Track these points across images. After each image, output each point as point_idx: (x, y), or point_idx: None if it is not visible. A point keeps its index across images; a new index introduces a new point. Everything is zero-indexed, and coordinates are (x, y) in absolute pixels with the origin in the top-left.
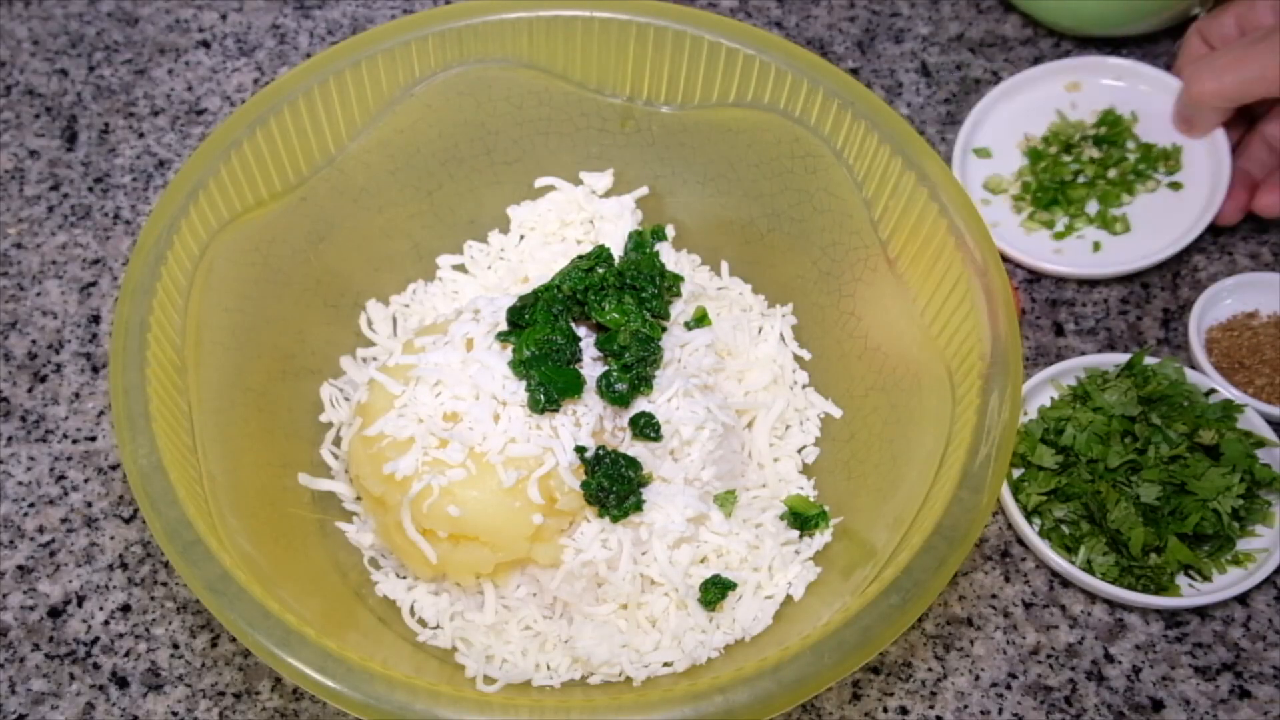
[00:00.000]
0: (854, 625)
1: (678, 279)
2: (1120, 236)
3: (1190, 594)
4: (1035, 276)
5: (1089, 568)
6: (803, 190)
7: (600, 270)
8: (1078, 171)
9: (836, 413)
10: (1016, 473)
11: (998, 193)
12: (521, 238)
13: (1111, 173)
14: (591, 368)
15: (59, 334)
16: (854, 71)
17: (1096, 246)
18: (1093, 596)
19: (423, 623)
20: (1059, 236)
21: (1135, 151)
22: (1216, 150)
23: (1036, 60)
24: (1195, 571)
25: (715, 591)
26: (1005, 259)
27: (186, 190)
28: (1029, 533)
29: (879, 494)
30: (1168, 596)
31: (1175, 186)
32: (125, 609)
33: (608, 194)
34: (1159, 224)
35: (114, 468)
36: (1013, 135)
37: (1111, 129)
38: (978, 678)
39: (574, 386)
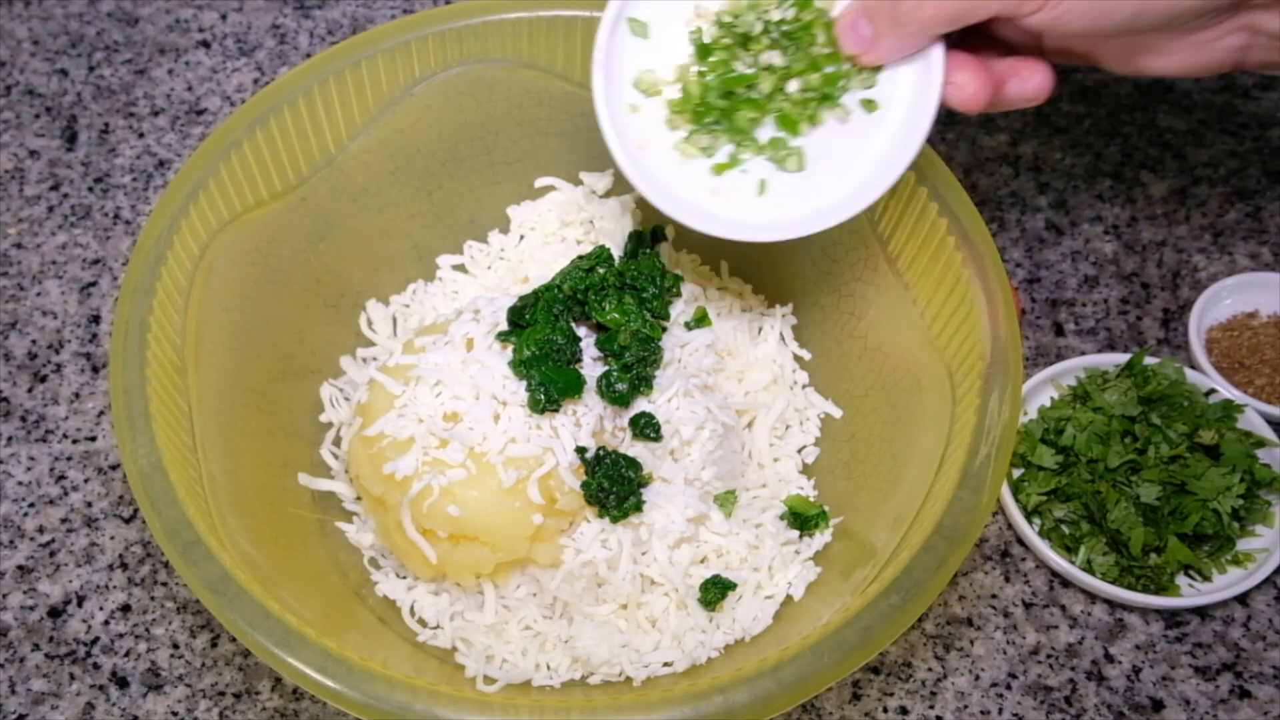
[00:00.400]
0: (854, 625)
1: (678, 279)
2: (793, 175)
3: (1190, 594)
4: (1035, 276)
5: (1089, 568)
6: None
7: (600, 270)
8: (751, 84)
9: (836, 413)
10: (1016, 473)
11: (651, 95)
12: (521, 238)
13: (793, 85)
14: (591, 368)
15: (59, 334)
16: None
17: (762, 187)
18: (1093, 596)
19: (423, 623)
20: (720, 170)
21: (826, 46)
22: (928, 64)
23: None
24: (1195, 571)
25: (715, 591)
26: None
27: (186, 190)
28: (1029, 533)
29: (879, 494)
30: (1168, 596)
31: (869, 105)
32: (125, 609)
33: (608, 194)
34: (842, 160)
35: (114, 468)
36: (683, 5)
37: (802, 7)
38: (978, 678)
39: (574, 386)
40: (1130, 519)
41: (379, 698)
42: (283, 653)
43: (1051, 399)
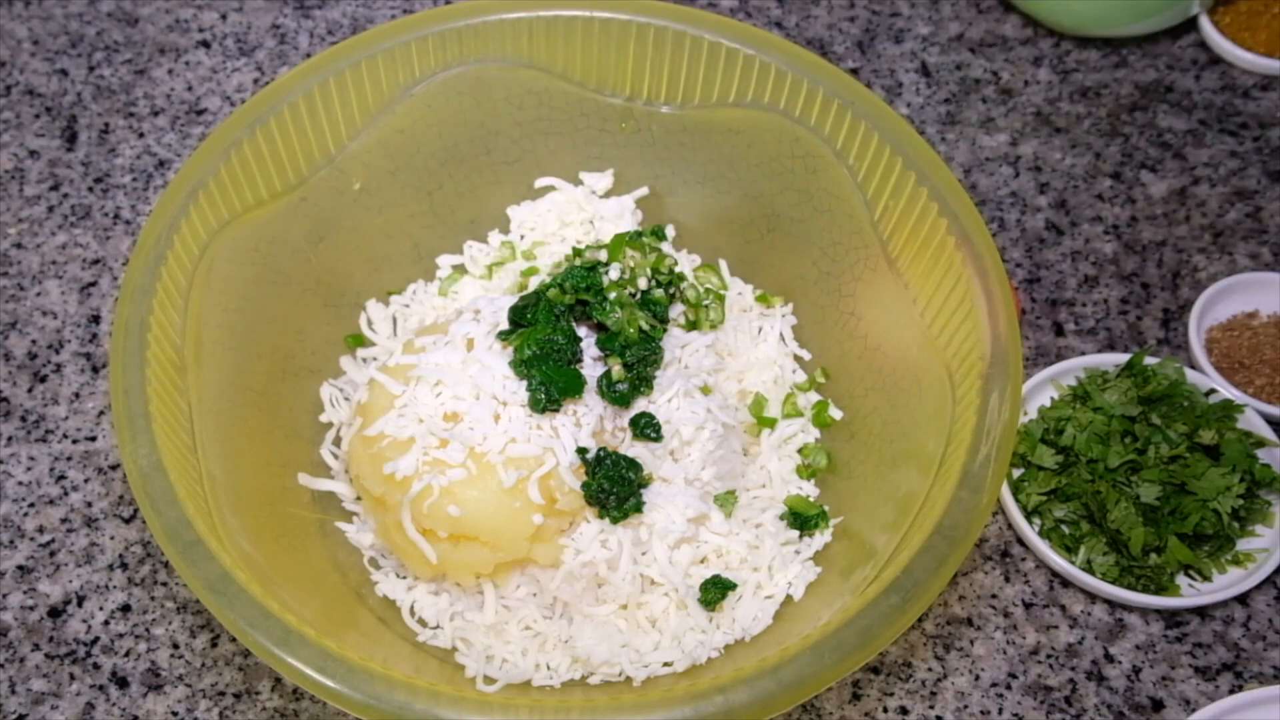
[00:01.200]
0: (854, 625)
1: (679, 279)
2: None
3: (1190, 594)
4: (1035, 276)
5: (1089, 568)
6: (803, 190)
7: (602, 270)
8: None
9: (836, 413)
10: (1016, 473)
11: None
12: (521, 238)
13: None
14: (592, 368)
15: (59, 334)
16: (854, 71)
17: None
18: (1093, 596)
19: (423, 623)
20: None
21: None
22: None
23: (1036, 61)
24: (1195, 571)
25: (715, 591)
26: None
27: (186, 190)
28: (1029, 533)
29: (879, 494)
30: (1168, 596)
31: None
32: (125, 609)
33: (608, 194)
34: None
35: (114, 468)
36: None
37: None
38: (978, 678)
39: (575, 386)
40: (1130, 519)
41: (379, 698)
42: (283, 653)
43: (1051, 399)
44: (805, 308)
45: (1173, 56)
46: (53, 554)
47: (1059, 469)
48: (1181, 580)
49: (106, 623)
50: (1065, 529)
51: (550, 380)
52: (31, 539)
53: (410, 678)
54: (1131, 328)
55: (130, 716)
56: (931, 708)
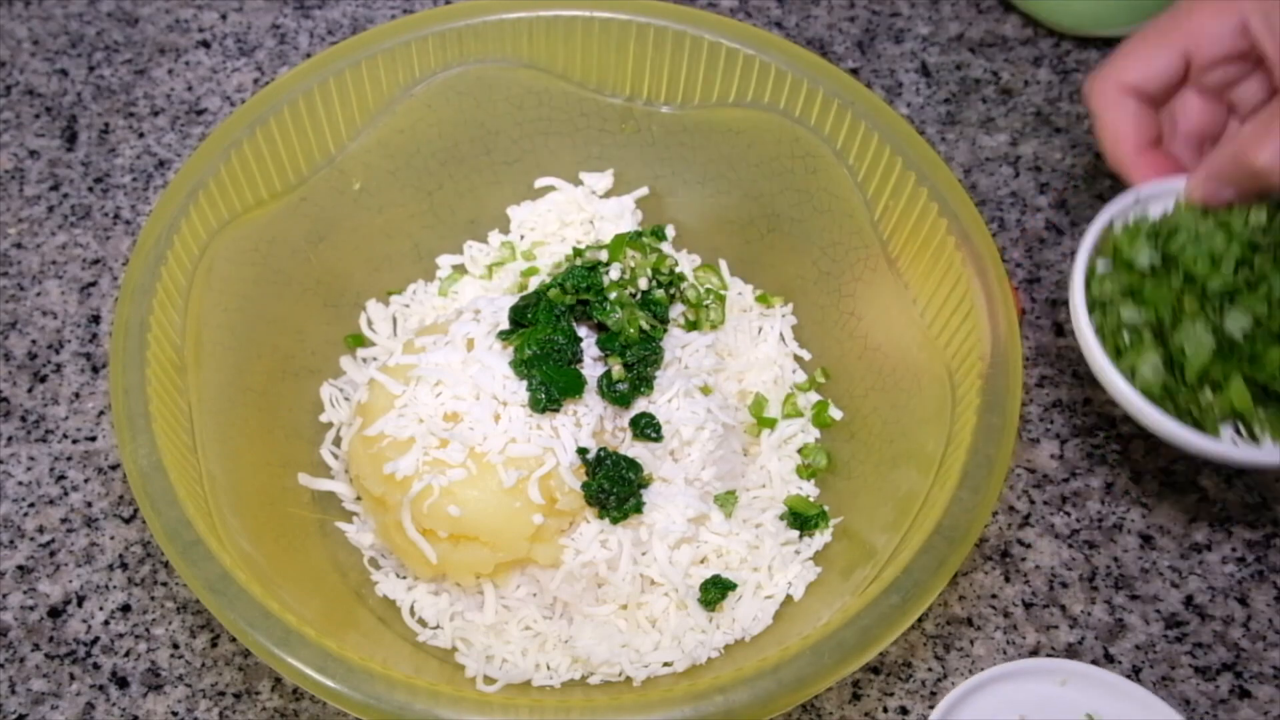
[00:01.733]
0: (854, 625)
1: (679, 279)
2: None
3: (1228, 445)
4: (1035, 276)
5: (1130, 375)
6: (803, 190)
7: (602, 270)
8: None
9: (836, 413)
10: (1101, 264)
11: None
12: (521, 238)
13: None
14: (592, 368)
15: (59, 334)
16: (854, 71)
17: None
18: (1092, 597)
19: (423, 623)
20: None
21: None
22: None
23: (1036, 61)
24: (1243, 425)
25: (715, 591)
26: None
27: (186, 190)
28: (1085, 327)
29: (879, 494)
30: (1207, 434)
31: None
32: (125, 609)
33: (608, 194)
34: None
35: (114, 468)
36: None
37: None
38: None
39: (575, 386)
40: (1198, 339)
41: (379, 698)
42: (283, 653)
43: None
44: (805, 308)
45: None
46: (53, 554)
47: (1150, 271)
48: (1226, 432)
49: (106, 623)
50: (1126, 335)
51: (550, 380)
52: (31, 539)
53: (410, 678)
54: None
55: (130, 716)
56: (931, 707)
